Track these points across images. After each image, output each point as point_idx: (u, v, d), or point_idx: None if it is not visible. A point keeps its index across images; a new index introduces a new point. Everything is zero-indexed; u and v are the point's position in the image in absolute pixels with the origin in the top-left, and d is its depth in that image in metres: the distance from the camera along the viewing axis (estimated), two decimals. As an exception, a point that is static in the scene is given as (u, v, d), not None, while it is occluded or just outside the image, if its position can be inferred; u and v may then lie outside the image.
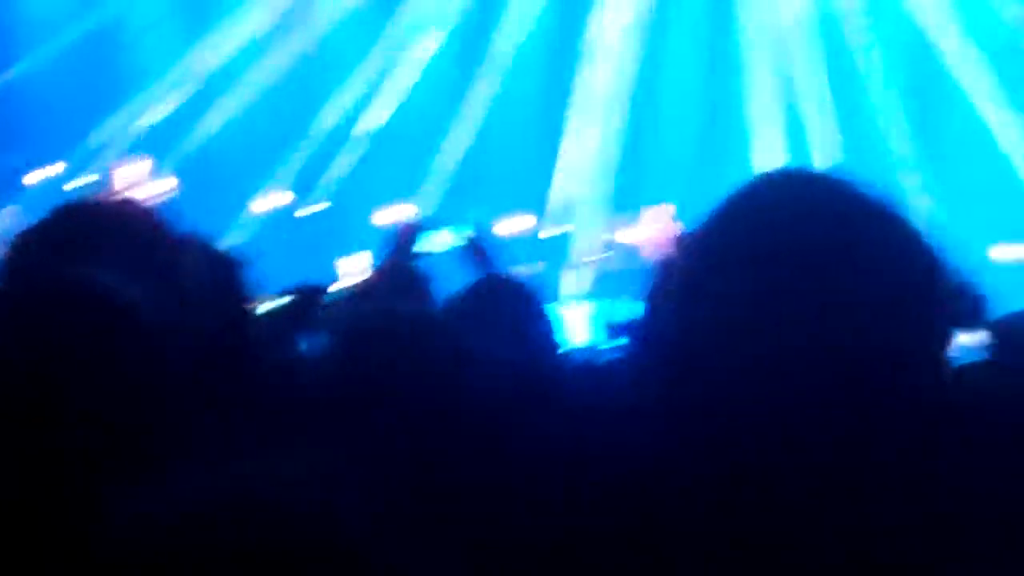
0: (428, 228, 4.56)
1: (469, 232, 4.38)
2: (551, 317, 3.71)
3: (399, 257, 4.37)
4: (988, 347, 3.66)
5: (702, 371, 1.45)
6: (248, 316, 3.09)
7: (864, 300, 1.40)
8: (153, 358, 2.02)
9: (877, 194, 1.48)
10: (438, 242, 4.53)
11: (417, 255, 4.46)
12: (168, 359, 2.04)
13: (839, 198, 1.47)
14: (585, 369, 3.70)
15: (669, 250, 3.91)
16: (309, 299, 4.13)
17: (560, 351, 3.73)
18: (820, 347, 1.40)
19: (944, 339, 1.47)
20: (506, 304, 3.43)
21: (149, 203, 2.78)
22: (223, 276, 2.66)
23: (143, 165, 15.88)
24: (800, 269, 1.40)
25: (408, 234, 4.47)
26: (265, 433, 2.35)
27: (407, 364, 2.35)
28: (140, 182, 15.47)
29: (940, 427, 1.49)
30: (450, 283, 7.53)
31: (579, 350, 4.84)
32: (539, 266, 16.63)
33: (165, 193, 15.23)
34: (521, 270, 16.17)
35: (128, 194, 15.05)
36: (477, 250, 4.35)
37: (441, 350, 2.37)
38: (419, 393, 2.33)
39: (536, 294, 3.68)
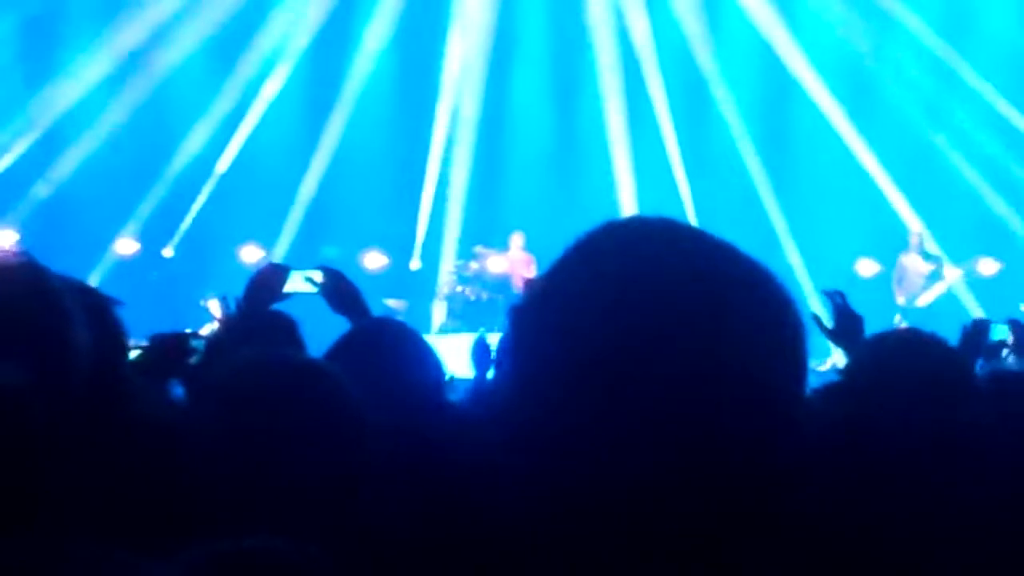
0: (290, 269, 4.42)
1: (324, 272, 4.26)
2: (431, 352, 3.64)
3: (262, 300, 4.24)
4: (840, 370, 3.71)
5: (543, 430, 1.38)
6: (124, 361, 2.99)
7: (717, 350, 1.34)
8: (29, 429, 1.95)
9: (727, 243, 1.41)
10: (300, 283, 4.41)
11: (282, 296, 4.34)
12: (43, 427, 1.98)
13: (692, 245, 1.42)
14: (466, 413, 3.66)
15: (523, 285, 3.93)
16: (180, 345, 3.99)
17: (445, 383, 3.66)
18: (666, 396, 1.33)
19: (801, 378, 1.40)
20: (391, 344, 3.35)
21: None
22: (99, 319, 2.53)
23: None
24: (649, 316, 1.35)
25: (271, 276, 4.34)
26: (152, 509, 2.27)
27: (303, 419, 2.27)
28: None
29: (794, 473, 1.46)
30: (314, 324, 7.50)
31: (460, 381, 4.78)
32: (402, 304, 16.64)
33: (6, 244, 14.96)
34: (393, 304, 16.30)
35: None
36: (339, 290, 4.23)
37: (335, 401, 2.29)
38: (318, 450, 2.25)
39: (416, 333, 3.61)
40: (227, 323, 4.28)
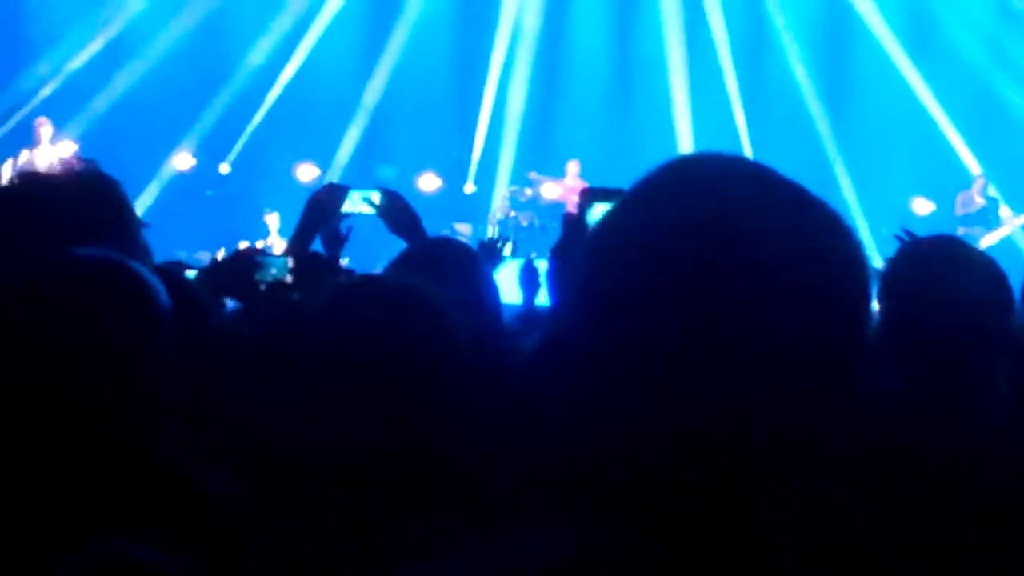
0: (349, 188, 4.40)
1: (383, 193, 4.24)
2: (490, 276, 3.64)
3: (320, 219, 4.23)
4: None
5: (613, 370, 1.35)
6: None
7: (792, 293, 1.32)
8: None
9: (796, 184, 1.37)
10: (359, 203, 4.37)
11: (340, 216, 4.33)
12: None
13: (759, 181, 1.38)
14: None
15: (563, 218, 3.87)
16: (248, 261, 4.02)
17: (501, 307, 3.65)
18: (743, 336, 1.31)
19: (863, 329, 1.37)
20: (453, 266, 3.34)
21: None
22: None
23: (46, 128, 15.68)
24: (716, 253, 1.32)
25: (329, 195, 4.33)
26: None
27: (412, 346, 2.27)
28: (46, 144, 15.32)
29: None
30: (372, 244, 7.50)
31: (509, 306, 4.78)
32: (469, 228, 16.65)
33: (67, 155, 15.09)
34: (461, 228, 16.30)
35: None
36: (398, 212, 4.21)
37: (442, 328, 2.28)
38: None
39: (475, 256, 3.61)
40: (301, 241, 4.27)
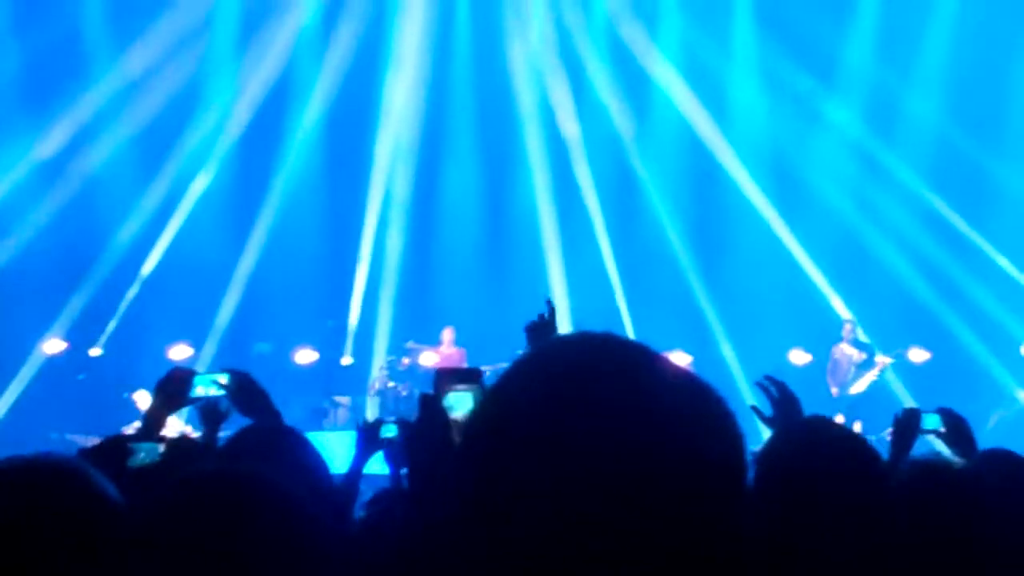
0: (195, 373, 4.37)
1: (231, 374, 4.21)
2: (317, 448, 3.60)
3: (170, 405, 4.19)
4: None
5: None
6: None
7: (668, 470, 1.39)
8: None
9: (662, 358, 1.47)
10: (209, 386, 4.35)
11: (189, 401, 4.30)
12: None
13: (636, 363, 1.46)
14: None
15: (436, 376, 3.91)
16: (118, 447, 3.97)
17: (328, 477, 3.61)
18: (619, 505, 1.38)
19: (738, 478, 1.45)
20: (280, 443, 3.30)
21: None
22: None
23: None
24: (595, 432, 1.39)
25: (175, 382, 4.28)
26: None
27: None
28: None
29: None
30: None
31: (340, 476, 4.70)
32: (347, 400, 16.52)
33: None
34: (340, 400, 16.15)
35: None
36: (247, 392, 4.19)
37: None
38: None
39: (306, 441, 3.56)
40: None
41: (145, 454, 4.00)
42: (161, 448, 4.00)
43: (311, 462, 3.39)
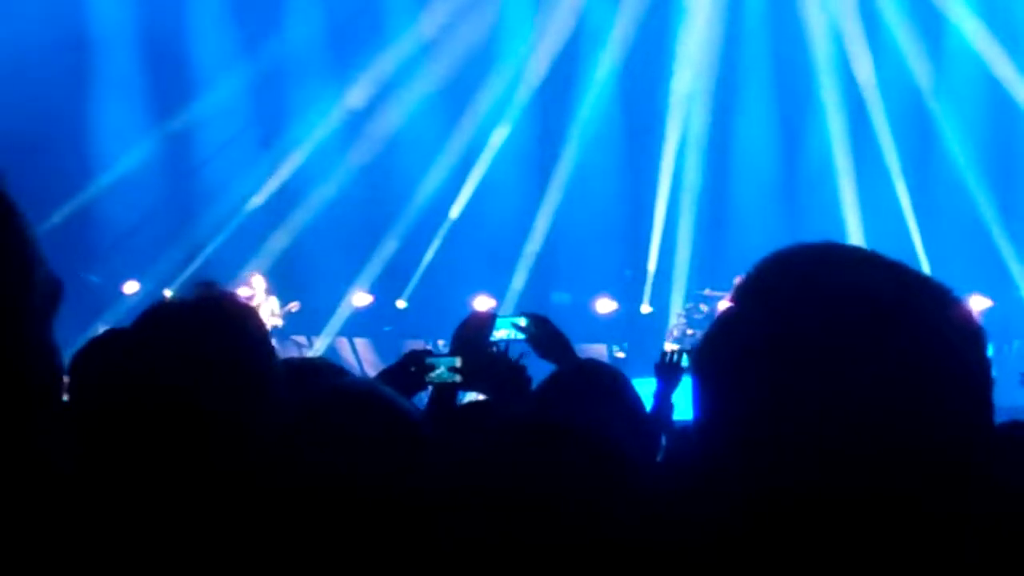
0: (496, 316, 4.43)
1: (530, 318, 4.24)
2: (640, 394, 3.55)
3: (470, 348, 4.25)
4: None
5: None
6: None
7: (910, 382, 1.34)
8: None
9: (898, 264, 1.44)
10: (506, 331, 4.41)
11: (490, 344, 4.36)
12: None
13: (859, 270, 1.43)
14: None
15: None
16: (418, 361, 4.13)
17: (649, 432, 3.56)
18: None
19: (980, 408, 1.37)
20: (600, 390, 3.27)
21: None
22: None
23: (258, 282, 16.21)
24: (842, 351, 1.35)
25: (477, 324, 4.34)
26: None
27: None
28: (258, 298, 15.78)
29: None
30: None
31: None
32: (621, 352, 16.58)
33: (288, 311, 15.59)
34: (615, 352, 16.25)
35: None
36: (546, 336, 4.22)
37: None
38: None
39: (625, 380, 3.52)
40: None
41: (444, 369, 4.12)
42: (458, 362, 4.17)
43: (630, 399, 3.35)
